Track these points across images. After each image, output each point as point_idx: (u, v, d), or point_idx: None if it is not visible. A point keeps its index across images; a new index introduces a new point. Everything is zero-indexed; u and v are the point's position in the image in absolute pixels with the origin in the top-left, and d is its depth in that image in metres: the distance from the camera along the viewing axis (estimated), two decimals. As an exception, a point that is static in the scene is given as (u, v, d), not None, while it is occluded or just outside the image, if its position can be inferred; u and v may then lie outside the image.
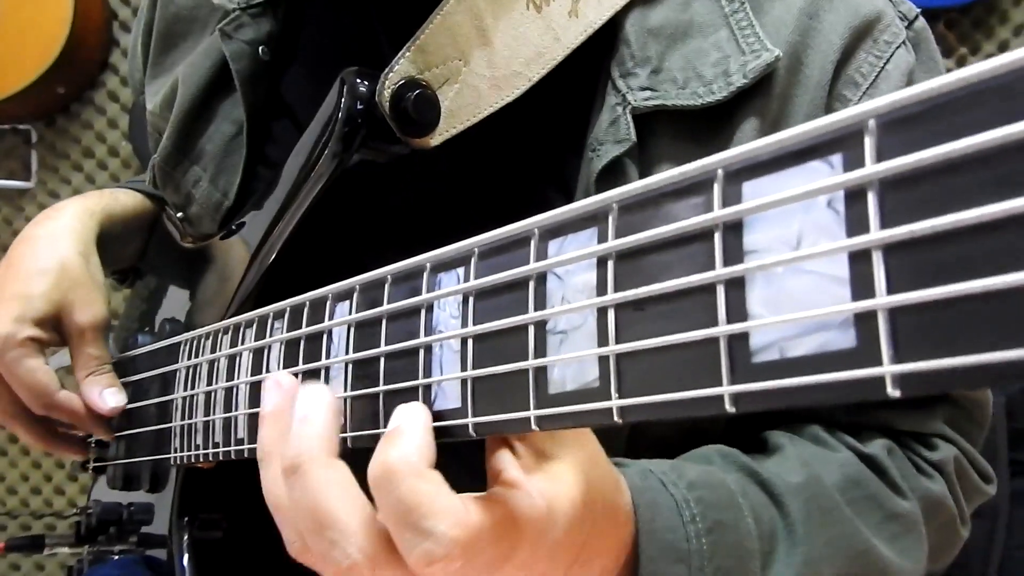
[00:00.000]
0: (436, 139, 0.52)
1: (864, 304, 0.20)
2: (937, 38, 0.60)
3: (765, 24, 0.54)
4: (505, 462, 0.35)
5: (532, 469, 0.36)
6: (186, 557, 0.62)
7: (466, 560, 0.32)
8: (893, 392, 0.19)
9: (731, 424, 0.58)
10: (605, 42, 0.54)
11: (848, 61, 0.54)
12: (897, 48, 0.55)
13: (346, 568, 0.34)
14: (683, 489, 0.45)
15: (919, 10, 0.58)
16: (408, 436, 0.33)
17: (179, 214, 0.71)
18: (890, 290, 0.20)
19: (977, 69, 0.19)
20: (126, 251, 0.77)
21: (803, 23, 0.54)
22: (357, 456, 0.39)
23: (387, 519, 0.33)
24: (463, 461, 0.36)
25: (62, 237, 0.67)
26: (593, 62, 0.55)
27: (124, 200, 0.75)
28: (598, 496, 0.39)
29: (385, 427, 0.38)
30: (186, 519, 0.63)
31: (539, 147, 0.58)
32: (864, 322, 0.20)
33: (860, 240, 0.20)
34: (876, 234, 0.20)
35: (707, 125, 0.53)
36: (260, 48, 0.63)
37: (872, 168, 0.20)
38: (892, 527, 0.53)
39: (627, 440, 0.55)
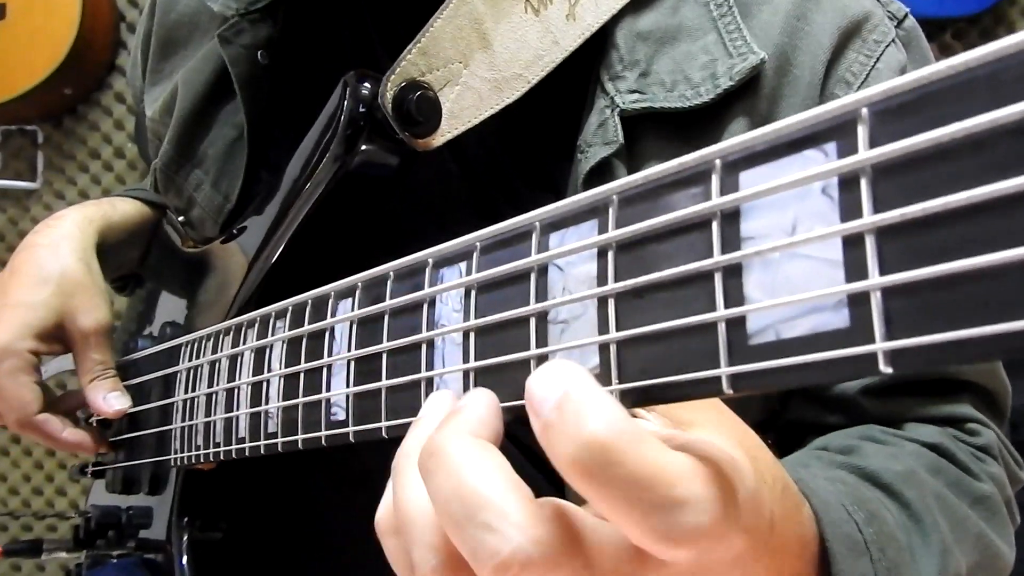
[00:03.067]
0: (438, 140, 0.52)
1: (856, 285, 0.21)
2: (945, 48, 0.61)
3: (753, 27, 0.55)
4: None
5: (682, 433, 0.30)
6: (185, 558, 0.62)
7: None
8: (886, 369, 0.20)
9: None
10: (595, 46, 0.55)
11: (838, 61, 0.55)
12: (887, 47, 0.56)
13: (507, 556, 0.26)
14: (824, 480, 0.41)
15: (908, 9, 0.59)
16: (597, 401, 0.25)
17: (180, 218, 0.72)
18: (882, 272, 0.20)
19: (966, 57, 0.20)
20: (126, 258, 0.78)
21: (791, 25, 0.55)
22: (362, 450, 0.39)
23: (616, 508, 0.25)
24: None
25: (62, 245, 0.68)
26: (583, 66, 0.56)
27: (123, 208, 0.76)
28: (765, 467, 0.32)
29: (387, 420, 0.38)
30: (186, 519, 0.63)
31: (531, 152, 0.59)
32: (857, 302, 0.21)
33: (853, 224, 0.21)
34: (869, 218, 0.21)
35: (695, 127, 0.54)
36: (259, 52, 0.64)
37: (865, 155, 0.21)
38: (980, 512, 0.51)
39: None
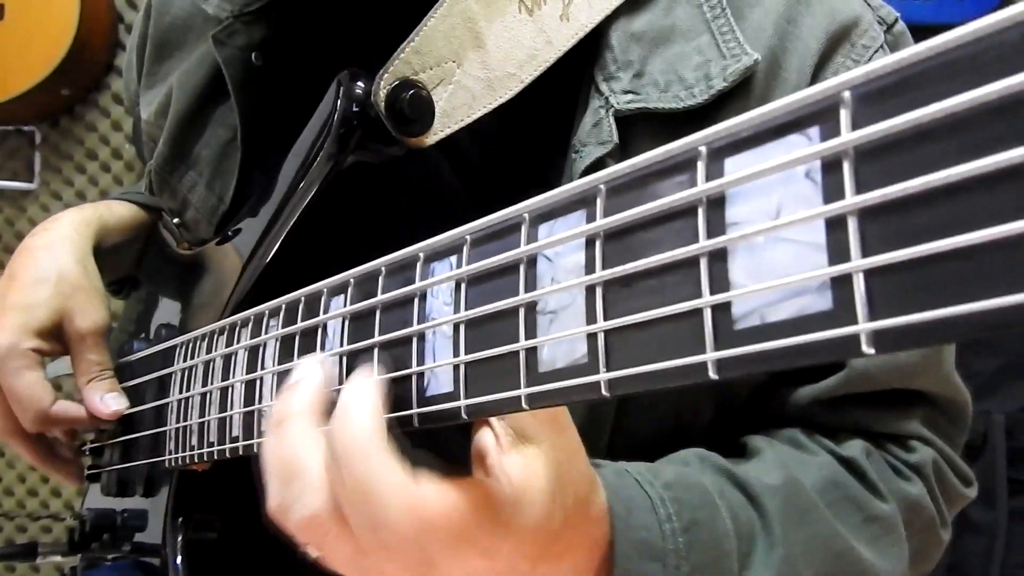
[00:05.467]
0: (431, 138, 0.53)
1: (839, 267, 0.21)
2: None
3: (745, 29, 0.55)
4: (487, 444, 0.36)
5: (509, 451, 0.37)
6: (180, 558, 0.62)
7: (416, 544, 0.34)
8: (868, 350, 0.20)
9: (712, 429, 0.59)
10: (589, 47, 0.56)
11: (826, 65, 0.56)
12: (875, 52, 0.56)
13: (304, 519, 0.37)
14: (659, 488, 0.46)
15: (898, 14, 0.59)
16: (361, 410, 0.35)
17: (175, 219, 0.72)
18: (864, 254, 0.20)
19: (946, 38, 0.20)
20: (122, 260, 0.78)
21: (782, 28, 0.55)
22: None
23: (343, 495, 0.35)
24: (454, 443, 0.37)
25: (59, 246, 0.68)
26: (578, 67, 0.56)
27: (119, 211, 0.76)
28: (570, 490, 0.39)
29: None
30: (180, 520, 0.63)
31: (524, 150, 0.59)
32: (840, 284, 0.21)
33: (835, 206, 0.21)
34: (850, 200, 0.21)
35: (687, 127, 0.53)
36: (253, 54, 0.64)
37: (847, 137, 0.21)
38: (872, 529, 0.53)
39: (609, 437, 0.56)
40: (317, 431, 0.37)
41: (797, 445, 0.56)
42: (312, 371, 0.40)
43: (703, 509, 0.47)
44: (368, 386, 0.36)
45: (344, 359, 0.41)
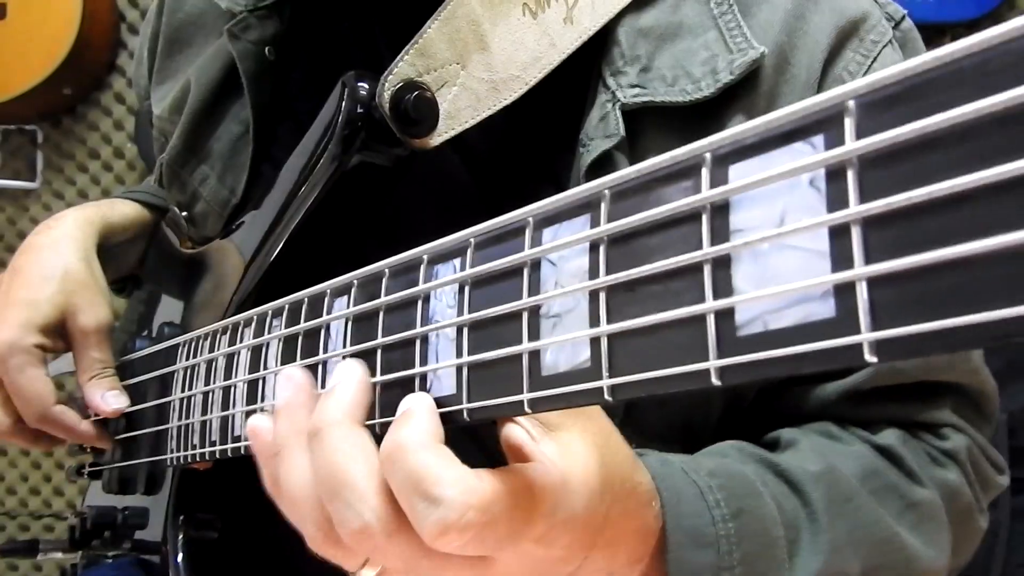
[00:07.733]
0: (435, 140, 0.53)
1: (842, 275, 0.21)
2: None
3: (752, 26, 0.55)
4: (519, 436, 0.35)
5: (543, 439, 0.36)
6: (181, 556, 0.62)
7: (479, 529, 0.32)
8: (871, 358, 0.20)
9: (720, 429, 0.59)
10: (597, 43, 0.56)
11: (835, 60, 0.56)
12: (884, 47, 0.57)
13: (358, 530, 0.34)
14: (704, 476, 0.45)
15: (905, 11, 0.60)
16: (416, 417, 0.34)
17: (184, 213, 0.73)
18: (868, 262, 0.21)
19: (952, 48, 0.20)
20: (125, 259, 0.78)
21: (790, 24, 0.56)
22: None
23: (399, 493, 0.33)
24: (482, 447, 0.37)
25: (63, 244, 0.68)
26: (585, 63, 0.56)
27: (122, 210, 0.76)
28: (615, 471, 0.38)
29: (380, 417, 0.38)
30: (182, 518, 0.63)
31: (534, 146, 0.59)
32: (843, 292, 0.21)
33: (839, 215, 0.21)
34: (854, 208, 0.21)
35: (695, 122, 0.55)
36: (266, 48, 0.65)
37: (851, 146, 0.21)
38: (912, 515, 0.53)
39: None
40: (359, 435, 0.36)
41: (830, 436, 0.56)
42: (349, 376, 0.38)
43: (749, 498, 0.46)
44: (423, 396, 0.35)
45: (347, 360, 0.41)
